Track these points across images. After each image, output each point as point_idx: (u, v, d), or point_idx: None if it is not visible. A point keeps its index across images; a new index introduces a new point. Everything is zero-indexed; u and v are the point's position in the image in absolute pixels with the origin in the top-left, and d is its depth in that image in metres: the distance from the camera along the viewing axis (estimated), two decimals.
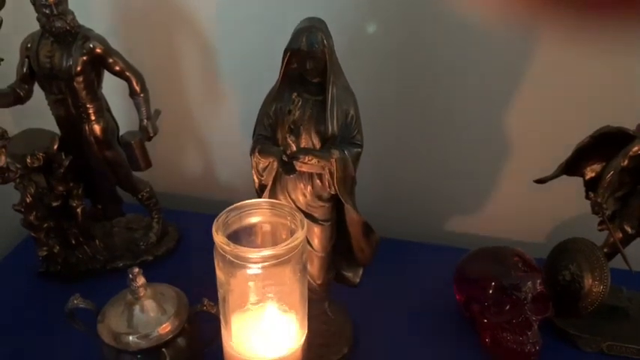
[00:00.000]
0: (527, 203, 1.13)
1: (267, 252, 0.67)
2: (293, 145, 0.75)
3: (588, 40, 0.98)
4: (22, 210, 0.97)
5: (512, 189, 1.16)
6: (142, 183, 1.08)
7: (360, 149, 0.77)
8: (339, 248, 0.86)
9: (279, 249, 0.67)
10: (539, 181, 0.95)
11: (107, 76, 0.98)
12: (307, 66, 0.73)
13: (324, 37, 0.72)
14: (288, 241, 0.67)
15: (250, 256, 0.67)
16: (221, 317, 0.74)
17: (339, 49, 0.76)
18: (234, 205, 0.72)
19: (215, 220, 0.69)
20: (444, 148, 1.15)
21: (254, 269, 0.68)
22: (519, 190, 1.13)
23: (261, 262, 0.67)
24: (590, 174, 0.93)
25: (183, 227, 1.16)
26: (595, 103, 1.02)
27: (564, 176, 0.94)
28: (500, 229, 1.16)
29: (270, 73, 0.77)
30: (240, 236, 0.73)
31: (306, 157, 0.74)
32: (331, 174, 0.75)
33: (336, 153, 0.74)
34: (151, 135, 0.99)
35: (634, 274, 0.90)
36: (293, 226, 0.71)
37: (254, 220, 0.73)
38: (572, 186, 0.94)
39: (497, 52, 1.03)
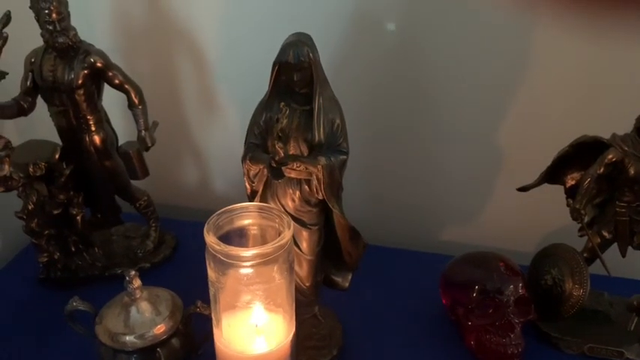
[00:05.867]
0: (515, 212, 1.15)
1: (255, 250, 0.70)
2: (281, 151, 0.79)
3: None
4: (24, 217, 1.00)
5: (501, 198, 1.18)
6: (140, 192, 1.11)
7: (345, 156, 0.80)
8: (329, 254, 0.89)
9: (267, 248, 0.70)
10: (522, 189, 0.98)
11: (107, 88, 1.01)
12: (295, 78, 0.76)
13: (309, 51, 0.76)
14: (276, 241, 0.70)
15: (239, 255, 0.70)
16: (212, 315, 0.78)
17: (330, 60, 0.79)
18: (225, 208, 0.76)
19: (207, 222, 0.73)
20: (433, 158, 1.18)
21: (243, 268, 0.71)
22: (508, 198, 1.16)
23: (250, 260, 0.70)
24: (570, 182, 0.96)
25: (180, 236, 1.19)
26: (584, 110, 1.04)
27: (552, 185, 0.97)
28: (489, 237, 1.17)
29: (265, 88, 0.81)
30: (231, 238, 0.76)
31: (294, 164, 0.77)
32: (318, 180, 0.78)
33: (322, 160, 0.78)
34: (149, 145, 1.02)
35: (612, 278, 0.93)
36: (281, 228, 0.74)
37: (244, 222, 0.77)
38: (559, 194, 0.97)
39: (492, 57, 1.06)
